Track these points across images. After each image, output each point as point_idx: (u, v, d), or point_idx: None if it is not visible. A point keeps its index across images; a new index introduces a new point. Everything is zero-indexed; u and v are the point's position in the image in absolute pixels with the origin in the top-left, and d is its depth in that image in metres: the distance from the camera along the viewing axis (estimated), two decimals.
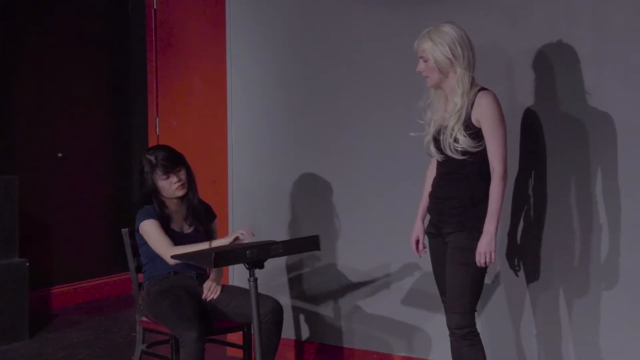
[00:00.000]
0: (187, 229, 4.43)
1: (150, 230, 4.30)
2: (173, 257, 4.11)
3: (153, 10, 6.67)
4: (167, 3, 6.62)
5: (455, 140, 3.76)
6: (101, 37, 6.80)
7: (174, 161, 4.39)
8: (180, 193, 4.40)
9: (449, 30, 3.76)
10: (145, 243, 4.37)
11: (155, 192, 4.38)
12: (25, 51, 6.29)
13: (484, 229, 3.75)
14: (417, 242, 4.05)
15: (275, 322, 4.30)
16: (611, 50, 4.12)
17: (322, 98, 4.96)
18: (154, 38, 6.68)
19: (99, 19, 6.78)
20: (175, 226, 4.41)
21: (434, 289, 4.07)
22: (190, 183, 4.44)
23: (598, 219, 4.17)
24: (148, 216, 4.32)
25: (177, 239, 4.33)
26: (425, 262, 4.15)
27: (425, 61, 3.80)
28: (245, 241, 4.15)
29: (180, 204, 4.44)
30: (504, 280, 4.44)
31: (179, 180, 4.38)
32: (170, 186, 4.37)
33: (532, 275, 4.35)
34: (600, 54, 4.14)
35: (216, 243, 4.22)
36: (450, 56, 3.75)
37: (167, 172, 4.36)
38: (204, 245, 4.23)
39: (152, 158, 4.38)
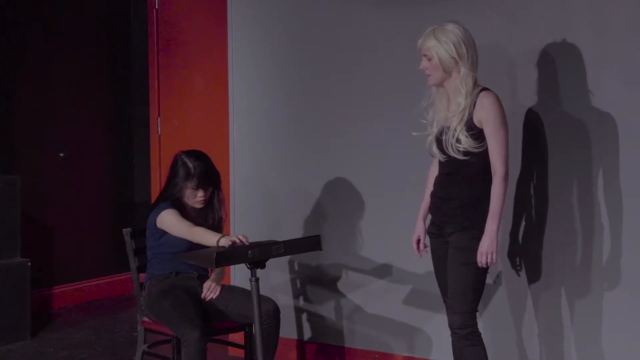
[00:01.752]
0: None
1: (171, 218, 4.29)
2: (179, 257, 4.12)
3: (155, 10, 6.67)
4: (169, 3, 6.62)
5: (458, 140, 3.75)
6: (103, 36, 6.80)
7: (209, 181, 4.37)
8: (199, 206, 4.39)
9: (453, 29, 3.75)
10: (155, 239, 4.37)
11: (178, 198, 4.38)
12: (27, 51, 6.29)
13: (485, 229, 3.75)
14: (418, 241, 4.05)
15: (273, 324, 4.30)
16: (613, 50, 4.12)
17: (324, 98, 4.96)
18: (155, 38, 6.68)
19: (100, 19, 6.78)
20: None
21: (435, 289, 4.07)
22: (212, 201, 4.42)
23: (600, 219, 4.16)
24: (167, 207, 4.33)
25: (187, 242, 4.33)
26: (426, 262, 4.15)
27: (429, 59, 3.79)
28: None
29: (198, 213, 4.44)
30: (505, 280, 4.43)
31: (204, 196, 4.38)
32: (194, 197, 4.37)
33: (534, 275, 4.35)
34: (602, 53, 4.14)
35: (223, 240, 4.17)
36: (455, 55, 3.74)
37: (198, 187, 4.36)
38: (214, 235, 4.15)
39: (191, 167, 4.34)
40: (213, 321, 4.34)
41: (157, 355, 4.45)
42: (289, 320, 5.01)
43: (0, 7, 6.09)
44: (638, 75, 4.06)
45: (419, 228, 4.05)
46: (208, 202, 4.44)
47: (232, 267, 5.16)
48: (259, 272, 3.94)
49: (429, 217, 4.02)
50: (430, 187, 4.00)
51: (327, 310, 5.02)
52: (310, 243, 4.07)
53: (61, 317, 6.24)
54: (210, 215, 4.46)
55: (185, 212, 4.37)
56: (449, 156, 3.80)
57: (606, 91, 4.12)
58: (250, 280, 3.91)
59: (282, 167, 5.13)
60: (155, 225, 4.35)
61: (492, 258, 3.74)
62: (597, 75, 4.14)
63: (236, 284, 4.97)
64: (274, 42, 5.13)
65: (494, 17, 4.38)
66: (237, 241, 4.04)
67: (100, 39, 6.79)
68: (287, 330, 4.82)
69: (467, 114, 3.75)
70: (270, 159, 5.17)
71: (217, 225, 4.44)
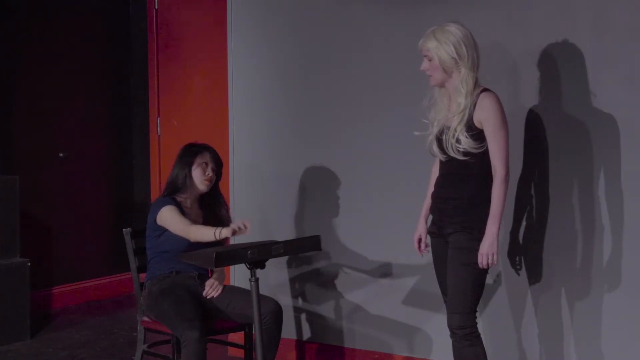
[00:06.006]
0: None
1: (170, 214, 4.32)
2: (179, 257, 4.13)
3: (154, 10, 6.67)
4: (169, 3, 6.62)
5: (458, 140, 3.75)
6: (102, 37, 6.80)
7: (217, 156, 4.48)
8: (203, 187, 4.43)
9: (454, 30, 3.75)
10: (155, 237, 4.37)
11: (184, 180, 4.41)
12: (26, 51, 6.29)
13: (486, 230, 3.74)
14: (420, 241, 4.05)
15: (275, 323, 4.31)
16: (614, 50, 4.11)
17: (324, 98, 4.96)
18: (155, 38, 6.68)
19: (99, 19, 6.78)
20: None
21: (435, 289, 4.07)
22: (215, 189, 4.50)
23: (600, 220, 4.16)
24: (166, 203, 4.35)
25: (187, 239, 4.33)
26: (426, 261, 4.14)
27: (430, 60, 3.79)
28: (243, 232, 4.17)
29: (197, 205, 4.47)
30: (505, 280, 4.43)
31: (212, 173, 4.44)
32: (203, 173, 4.42)
33: (534, 275, 4.35)
34: (603, 54, 4.13)
35: (225, 232, 4.19)
36: (455, 56, 3.74)
37: (208, 162, 4.42)
38: (210, 229, 4.23)
39: (198, 145, 4.48)
40: (213, 321, 4.34)
41: (157, 355, 4.45)
42: (289, 320, 5.00)
43: None
44: (638, 75, 4.06)
45: (420, 227, 4.05)
46: (209, 201, 4.45)
47: (232, 267, 5.16)
48: (258, 272, 3.94)
49: (431, 216, 4.02)
50: (432, 187, 4.00)
51: (326, 310, 5.02)
52: (310, 243, 4.07)
53: (61, 317, 6.24)
54: (212, 215, 4.47)
55: (184, 213, 4.38)
56: (449, 156, 3.81)
57: (607, 92, 4.12)
58: (250, 280, 3.91)
59: (282, 167, 5.12)
60: (156, 221, 4.36)
61: (492, 259, 3.74)
62: (598, 76, 4.13)
63: (236, 284, 4.97)
64: (273, 41, 5.13)
65: (494, 17, 4.38)
66: (237, 228, 4.10)
67: (100, 39, 6.79)
68: (287, 330, 4.82)
69: (467, 114, 3.75)
70: (269, 159, 5.17)
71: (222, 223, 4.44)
